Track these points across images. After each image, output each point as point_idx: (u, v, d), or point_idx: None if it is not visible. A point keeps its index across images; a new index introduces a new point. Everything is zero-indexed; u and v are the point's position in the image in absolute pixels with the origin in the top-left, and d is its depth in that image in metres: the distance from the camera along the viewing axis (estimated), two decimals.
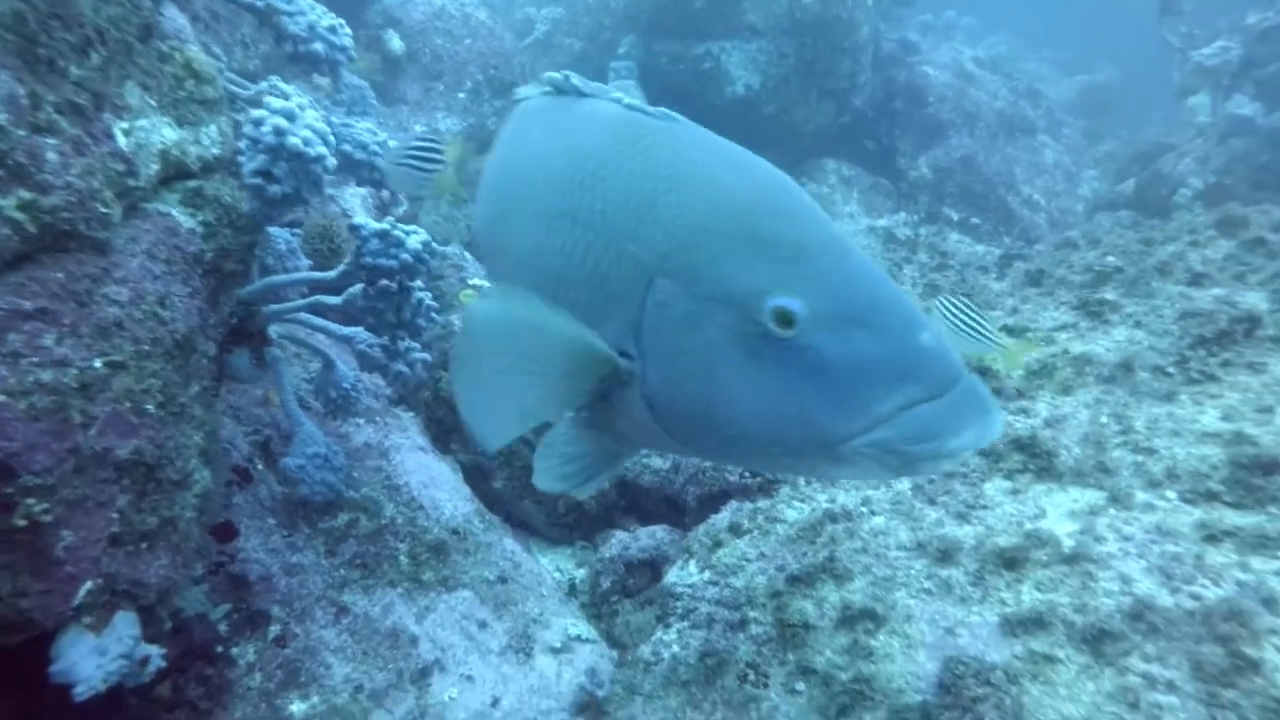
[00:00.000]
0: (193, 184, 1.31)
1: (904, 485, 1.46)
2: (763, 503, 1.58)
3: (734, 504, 1.64)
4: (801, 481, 1.62)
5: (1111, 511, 1.27)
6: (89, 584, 0.95)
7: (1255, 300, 1.67)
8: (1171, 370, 1.54)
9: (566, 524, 2.21)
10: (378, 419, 2.12)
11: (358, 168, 1.99)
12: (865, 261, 0.79)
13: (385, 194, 2.95)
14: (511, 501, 2.23)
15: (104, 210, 1.03)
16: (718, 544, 1.51)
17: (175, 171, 1.27)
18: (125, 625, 0.98)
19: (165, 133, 1.22)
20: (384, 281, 1.46)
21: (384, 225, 1.45)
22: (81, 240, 1.00)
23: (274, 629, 1.49)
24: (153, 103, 1.19)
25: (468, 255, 2.78)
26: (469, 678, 1.66)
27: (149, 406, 1.08)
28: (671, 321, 0.81)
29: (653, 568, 1.81)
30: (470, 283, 2.63)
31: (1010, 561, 1.20)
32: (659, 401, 0.84)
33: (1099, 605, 1.10)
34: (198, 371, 1.26)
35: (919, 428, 0.70)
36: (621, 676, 1.36)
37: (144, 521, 1.07)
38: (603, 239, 0.89)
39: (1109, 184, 5.18)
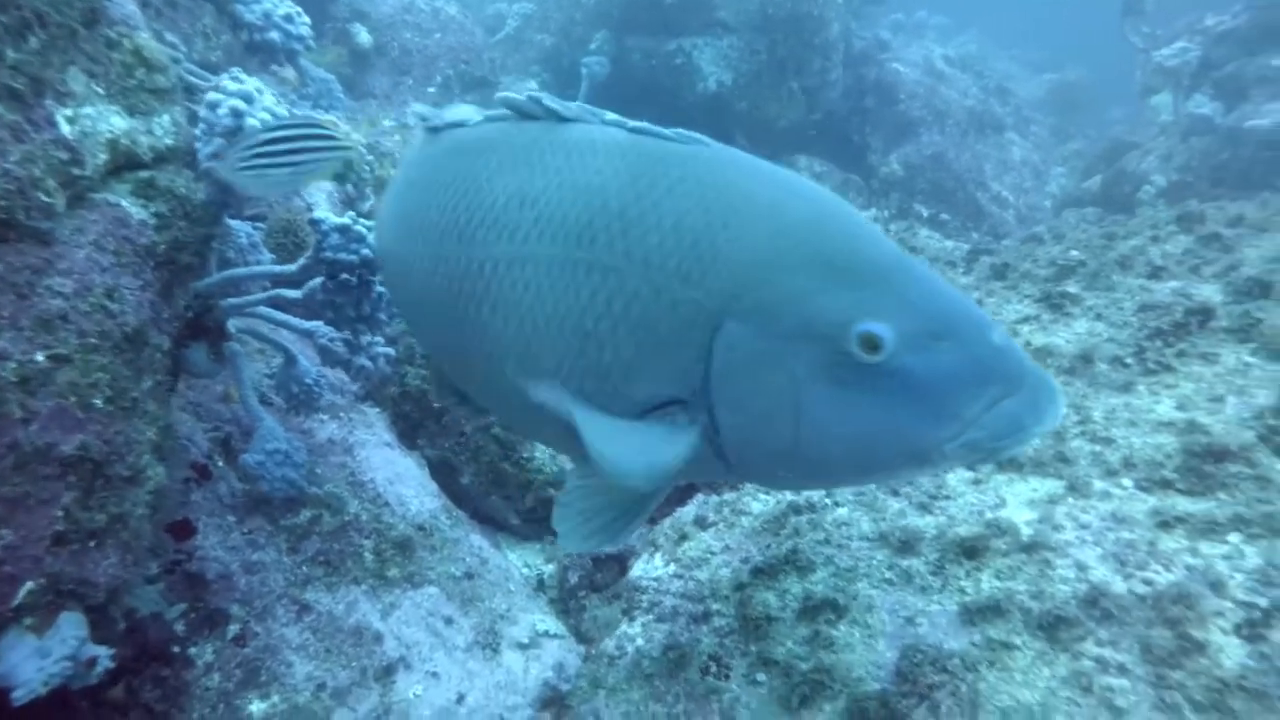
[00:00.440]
0: (145, 174, 1.28)
1: None
2: (729, 495, 1.58)
3: (700, 497, 1.64)
4: None
5: (1070, 500, 1.29)
6: (30, 584, 0.93)
7: (1210, 293, 1.70)
8: (1129, 361, 1.57)
9: (536, 520, 2.20)
10: (342, 415, 2.09)
11: None
12: (926, 270, 0.80)
13: (350, 188, 2.92)
14: (479, 497, 2.21)
15: (46, 199, 1.00)
16: (683, 537, 1.51)
17: (126, 161, 1.24)
18: (70, 626, 0.96)
19: (114, 121, 1.20)
20: (344, 276, 1.44)
21: (344, 220, 1.43)
22: (21, 230, 0.98)
23: (233, 628, 1.47)
24: (100, 90, 1.16)
25: None
26: (434, 674, 1.65)
27: (96, 401, 1.06)
28: (745, 364, 0.77)
29: (620, 562, 1.81)
30: None
31: (970, 551, 1.21)
32: (732, 443, 0.80)
33: (1055, 592, 1.11)
34: (150, 366, 1.24)
35: (1006, 423, 0.73)
36: (586, 670, 1.36)
37: (91, 519, 1.04)
38: (647, 287, 0.79)
39: (1076, 181, 5.25)
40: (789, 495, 1.49)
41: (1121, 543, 1.16)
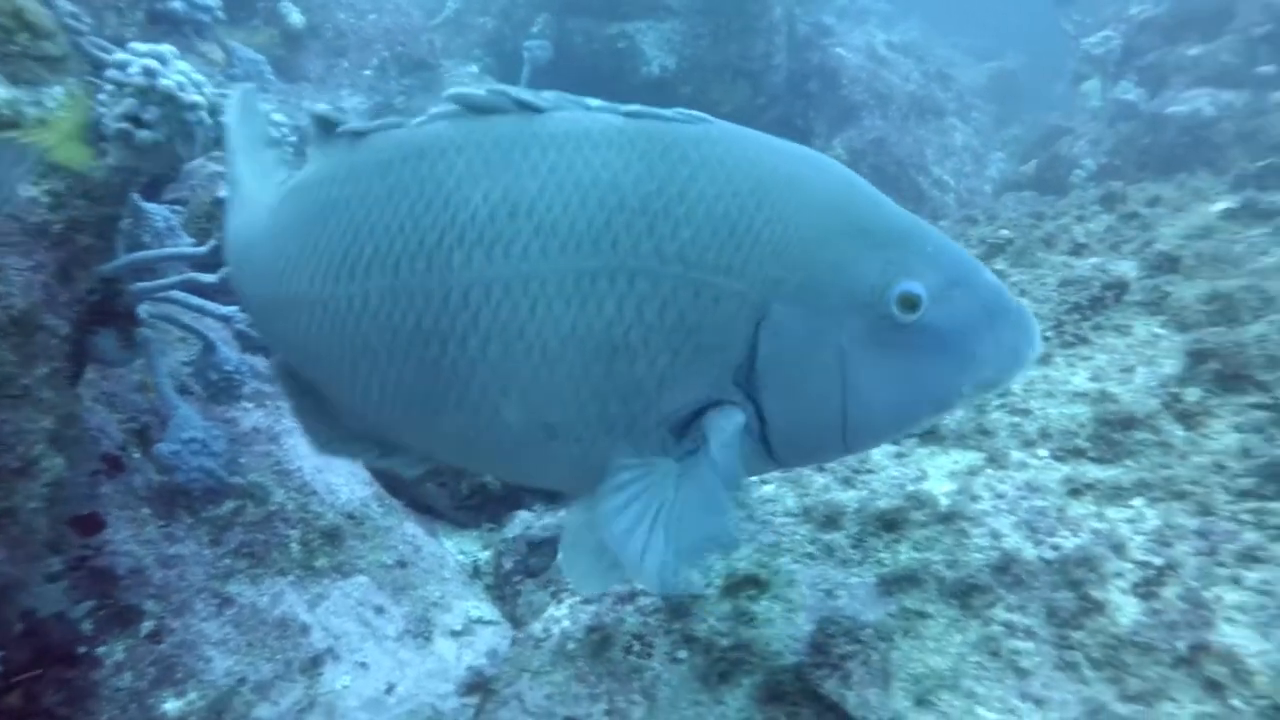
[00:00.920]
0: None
1: None
2: None
3: None
4: None
5: (988, 471, 1.31)
6: None
7: (1126, 268, 1.74)
8: (1049, 334, 1.60)
9: (472, 507, 2.18)
10: (269, 403, 2.03)
11: None
12: (926, 223, 0.81)
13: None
14: (414, 485, 2.18)
15: None
16: None
17: None
18: None
19: None
20: None
21: None
22: None
23: (147, 624, 1.42)
24: None
25: None
26: (363, 665, 1.62)
27: None
28: (793, 348, 0.74)
29: (554, 545, 1.79)
30: None
31: (890, 523, 1.23)
32: (781, 432, 0.77)
33: (969, 561, 1.13)
34: (45, 352, 1.18)
35: (1008, 356, 0.76)
36: (512, 654, 1.34)
37: None
38: (685, 286, 0.72)
39: (1014, 165, 5.37)
40: None
41: (1034, 510, 1.18)
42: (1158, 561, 1.00)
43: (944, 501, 1.24)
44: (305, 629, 1.64)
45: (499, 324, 0.74)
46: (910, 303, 0.74)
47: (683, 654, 1.14)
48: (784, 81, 4.91)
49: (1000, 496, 1.24)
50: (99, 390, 1.74)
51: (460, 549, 2.10)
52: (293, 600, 1.68)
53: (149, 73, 1.32)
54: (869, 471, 1.37)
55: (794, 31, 5.06)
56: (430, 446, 0.90)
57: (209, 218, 2.19)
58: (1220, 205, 1.98)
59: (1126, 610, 0.96)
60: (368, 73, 3.80)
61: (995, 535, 1.16)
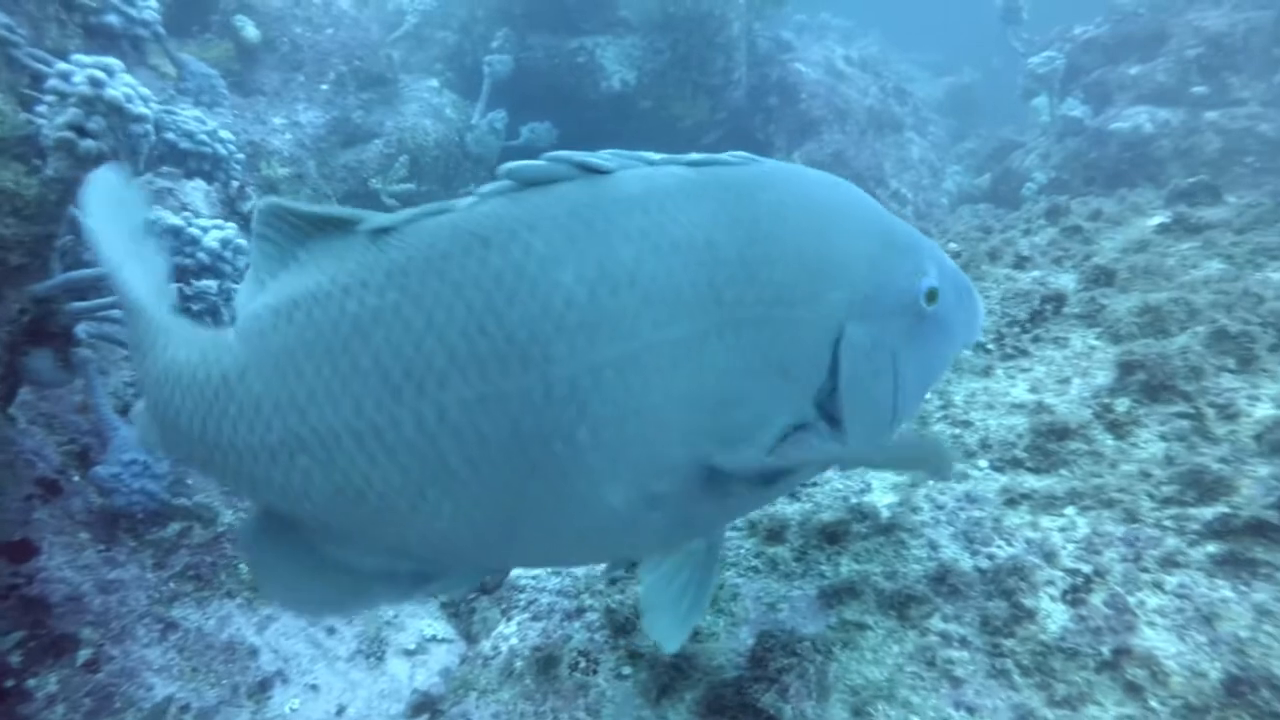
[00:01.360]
0: None
1: None
2: None
3: None
4: None
5: (930, 483, 1.33)
6: None
7: (1066, 281, 1.79)
8: (991, 347, 1.64)
9: None
10: None
11: (185, 158, 1.87)
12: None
13: (235, 186, 2.80)
14: None
15: None
16: None
17: None
18: None
19: None
20: (178, 284, 1.37)
21: (179, 221, 1.37)
22: None
23: (84, 653, 1.38)
24: None
25: None
26: (314, 687, 1.60)
27: None
28: (864, 359, 0.78)
29: None
30: None
31: (832, 536, 1.24)
32: (854, 438, 0.80)
33: (908, 572, 1.14)
34: None
35: (970, 326, 0.89)
36: (460, 672, 1.33)
37: None
38: (786, 326, 0.73)
39: (970, 178, 5.48)
40: None
41: (971, 521, 1.21)
42: (1086, 569, 1.03)
43: (885, 513, 1.26)
44: (254, 652, 1.61)
45: (611, 408, 0.68)
46: (932, 296, 0.83)
47: (627, 670, 1.15)
48: (744, 96, 4.97)
49: (940, 508, 1.26)
50: (36, 412, 1.70)
51: None
52: (241, 623, 1.66)
53: (95, 82, 1.31)
54: (814, 485, 1.39)
55: (754, 47, 5.12)
56: (499, 557, 0.84)
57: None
58: (1155, 220, 2.05)
59: (1056, 617, 0.98)
60: (325, 87, 3.77)
61: (933, 546, 1.18)
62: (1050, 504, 1.18)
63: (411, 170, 3.82)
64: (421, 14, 4.47)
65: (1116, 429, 1.26)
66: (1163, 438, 1.20)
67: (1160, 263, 1.73)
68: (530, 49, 4.37)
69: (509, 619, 1.39)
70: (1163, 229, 1.98)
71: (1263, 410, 1.17)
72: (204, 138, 1.80)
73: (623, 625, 1.20)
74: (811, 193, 0.80)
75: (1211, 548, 0.99)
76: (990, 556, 1.12)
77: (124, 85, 1.34)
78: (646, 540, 0.82)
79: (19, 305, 1.32)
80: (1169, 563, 0.99)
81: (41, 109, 1.34)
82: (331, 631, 1.74)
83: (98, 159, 1.29)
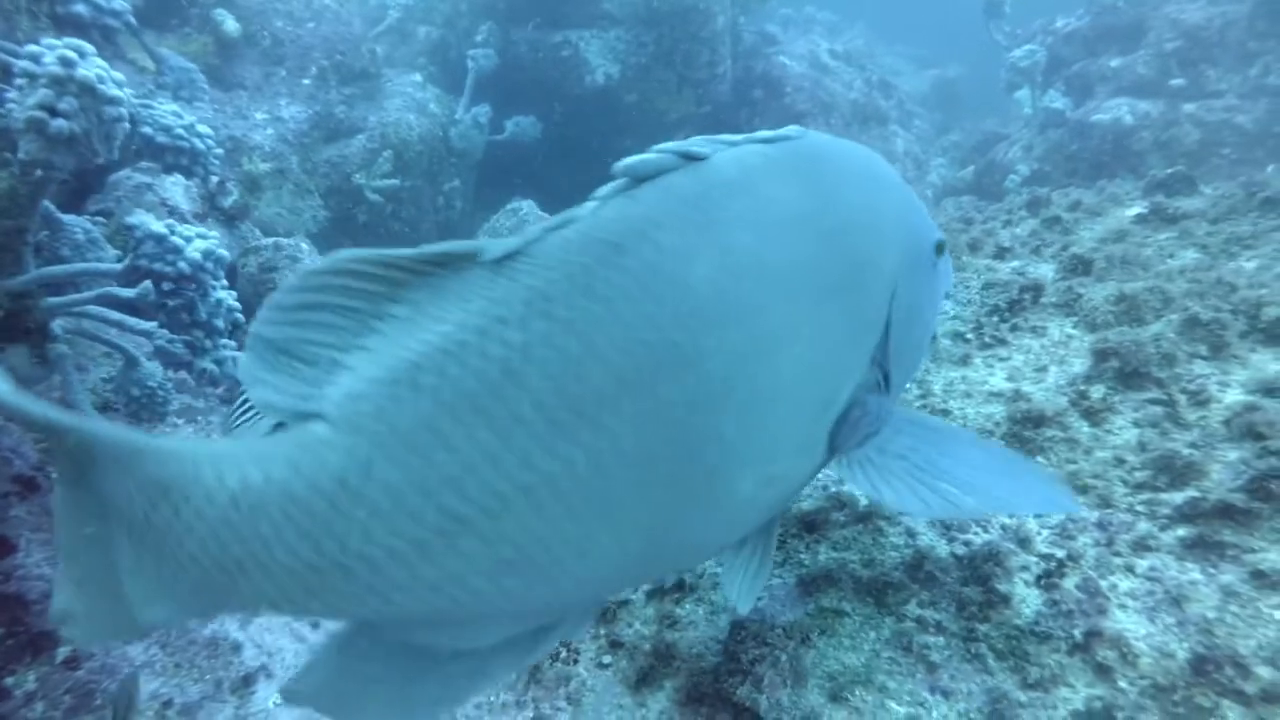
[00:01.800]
0: None
1: None
2: None
3: None
4: None
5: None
6: None
7: (1045, 270, 1.80)
8: (970, 336, 1.65)
9: None
10: (199, 418, 1.99)
11: (162, 153, 1.86)
12: None
13: (215, 181, 2.78)
14: None
15: None
16: None
17: None
18: None
19: None
20: (164, 285, 1.36)
21: (161, 229, 1.35)
22: None
23: (63, 650, 1.38)
24: None
25: (303, 247, 2.66)
26: None
27: None
28: (907, 311, 0.83)
29: None
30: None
31: (811, 524, 1.25)
32: (895, 387, 0.85)
33: (885, 559, 1.15)
34: None
35: (951, 271, 0.96)
36: None
37: None
38: (862, 290, 0.77)
39: (954, 171, 5.51)
40: None
41: None
42: (1060, 554, 1.04)
43: (862, 502, 1.27)
44: (237, 647, 1.61)
45: (753, 395, 0.67)
46: (940, 249, 0.90)
47: (608, 659, 1.15)
48: (729, 90, 4.97)
49: None
50: None
51: None
52: (224, 618, 1.65)
53: (66, 62, 1.28)
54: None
55: (739, 40, 5.13)
56: (637, 581, 0.84)
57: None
58: (1133, 210, 2.06)
59: (1030, 601, 0.99)
60: (306, 82, 3.75)
61: (911, 534, 1.19)
62: None
63: (396, 165, 3.81)
64: (404, 8, 4.45)
65: (1091, 416, 1.27)
66: (1136, 424, 1.21)
67: (1137, 252, 1.75)
68: (514, 43, 4.35)
69: None
70: (1140, 219, 1.99)
71: (1232, 396, 1.19)
72: (181, 132, 1.79)
73: (604, 614, 1.21)
74: (858, 160, 0.84)
75: (1182, 531, 1.01)
76: (966, 543, 1.13)
77: (96, 66, 1.32)
78: (755, 523, 0.81)
79: None
80: (1141, 546, 1.01)
81: (11, 95, 1.31)
82: (316, 626, 1.74)
83: (70, 140, 1.26)
